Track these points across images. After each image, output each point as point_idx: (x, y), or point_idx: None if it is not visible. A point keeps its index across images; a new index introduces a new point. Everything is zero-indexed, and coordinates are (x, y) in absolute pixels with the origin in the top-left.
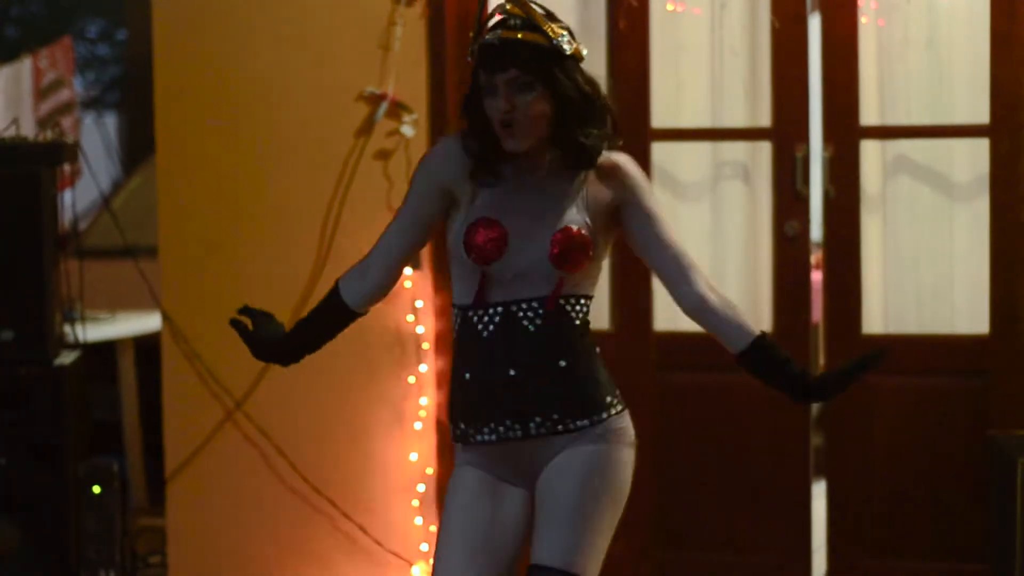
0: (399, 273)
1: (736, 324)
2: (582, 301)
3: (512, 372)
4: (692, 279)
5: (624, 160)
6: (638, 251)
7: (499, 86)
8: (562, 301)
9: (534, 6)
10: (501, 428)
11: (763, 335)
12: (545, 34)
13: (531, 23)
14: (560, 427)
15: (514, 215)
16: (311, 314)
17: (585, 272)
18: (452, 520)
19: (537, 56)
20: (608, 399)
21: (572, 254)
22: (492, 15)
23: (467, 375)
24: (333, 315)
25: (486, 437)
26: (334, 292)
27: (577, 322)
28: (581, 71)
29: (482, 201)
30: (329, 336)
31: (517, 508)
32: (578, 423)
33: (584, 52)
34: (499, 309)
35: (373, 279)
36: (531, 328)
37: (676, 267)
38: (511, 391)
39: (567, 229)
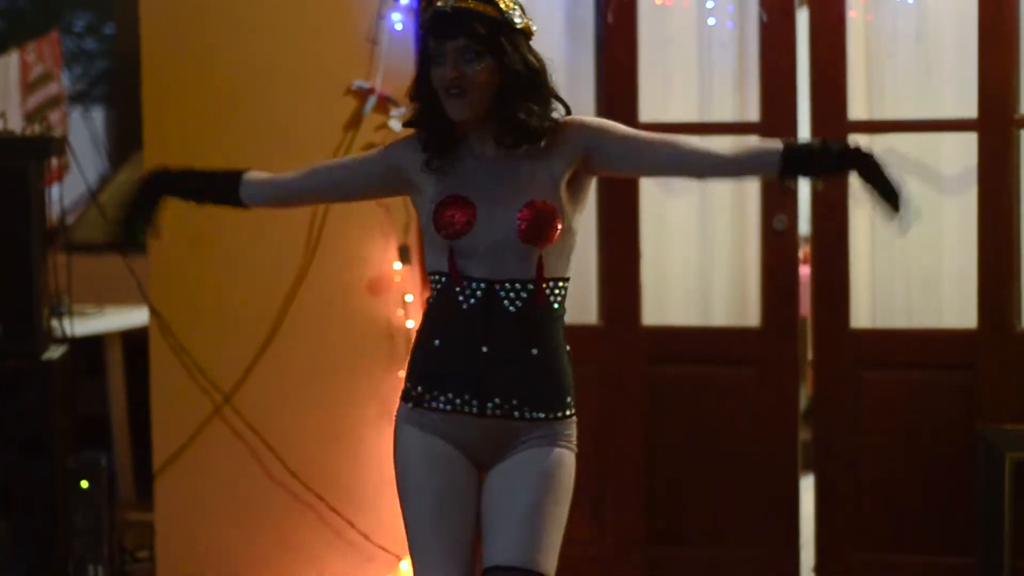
0: (303, 196)
1: (759, 152)
2: (560, 284)
3: (485, 349)
4: (699, 152)
5: (576, 117)
6: (635, 170)
7: (448, 54)
8: (543, 285)
9: None
10: (458, 400)
11: (787, 143)
12: (496, 6)
13: None
14: (516, 413)
15: (479, 191)
16: (206, 172)
17: (559, 249)
18: (420, 496)
19: (488, 26)
20: (568, 399)
21: (542, 228)
22: None
23: (436, 342)
24: (222, 184)
25: (441, 405)
26: (236, 173)
27: (556, 306)
28: (530, 48)
29: (449, 181)
30: (200, 197)
31: (471, 475)
32: (534, 414)
33: (534, 28)
34: (482, 285)
35: (280, 182)
36: (511, 309)
37: (677, 154)
38: (480, 367)
39: (532, 203)
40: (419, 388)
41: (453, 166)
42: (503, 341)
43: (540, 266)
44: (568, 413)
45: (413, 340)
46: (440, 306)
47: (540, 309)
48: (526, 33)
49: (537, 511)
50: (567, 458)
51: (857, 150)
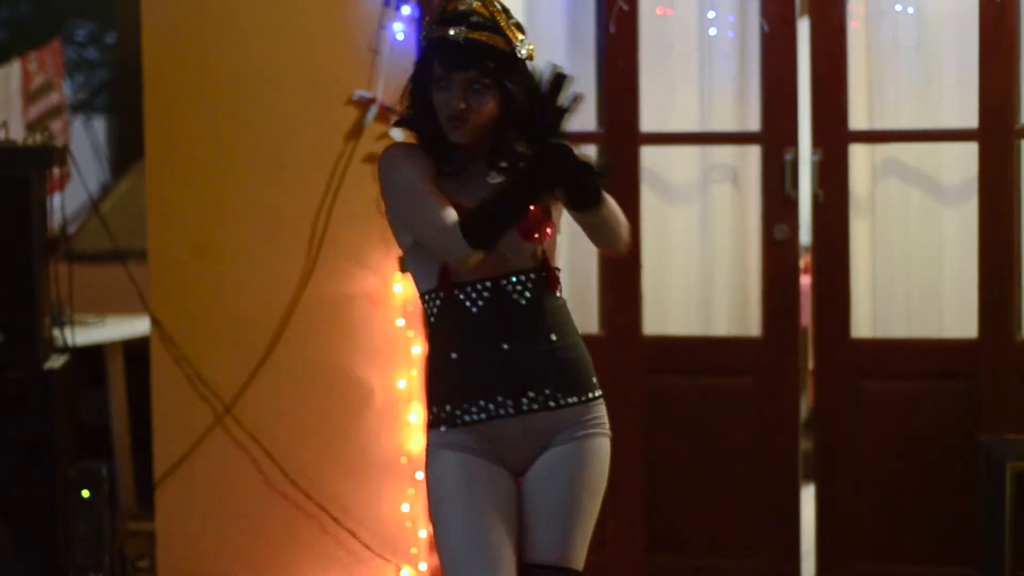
0: None
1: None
2: (558, 271)
3: (505, 347)
4: None
5: None
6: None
7: (456, 84)
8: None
9: (497, 5)
10: (492, 405)
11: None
12: (507, 38)
13: (496, 25)
14: (551, 403)
15: (475, 198)
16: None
17: (551, 243)
18: (459, 517)
19: (497, 60)
20: (593, 380)
21: (538, 224)
22: (453, 4)
23: (453, 355)
24: None
25: (475, 416)
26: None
27: (559, 294)
28: (529, 74)
29: (451, 188)
30: None
31: (510, 486)
32: (569, 399)
33: (534, 53)
34: (488, 284)
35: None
36: (522, 302)
37: None
38: (504, 366)
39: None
40: (447, 407)
41: (456, 173)
42: (521, 334)
43: (544, 255)
44: (597, 394)
45: (425, 366)
46: (447, 320)
47: (549, 296)
48: (529, 60)
49: (571, 508)
50: (601, 445)
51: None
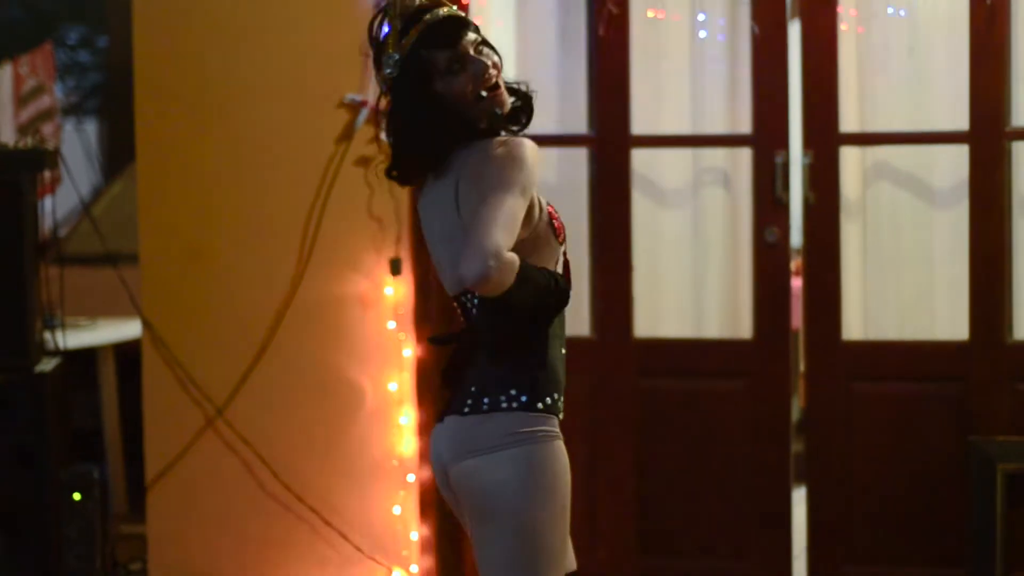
0: None
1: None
2: None
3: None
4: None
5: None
6: None
7: (468, 52)
8: None
9: None
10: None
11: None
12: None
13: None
14: None
15: None
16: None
17: None
18: (567, 517)
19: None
20: None
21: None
22: (392, 25)
23: (563, 350)
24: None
25: (563, 411)
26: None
27: None
28: None
29: None
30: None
31: None
32: None
33: None
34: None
35: None
36: None
37: None
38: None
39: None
40: (558, 398)
41: None
42: None
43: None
44: None
45: (529, 351)
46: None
47: None
48: None
49: None
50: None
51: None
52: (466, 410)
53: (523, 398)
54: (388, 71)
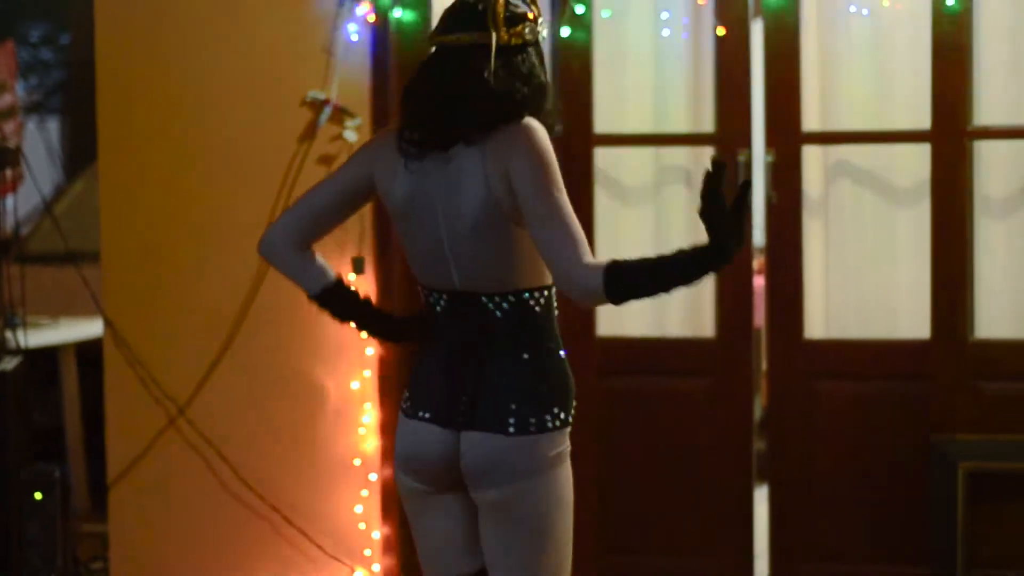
0: None
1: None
2: None
3: None
4: None
5: None
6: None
7: None
8: None
9: None
10: None
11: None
12: None
13: None
14: None
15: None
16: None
17: None
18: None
19: None
20: None
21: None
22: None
23: (562, 352)
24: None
25: None
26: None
27: None
28: None
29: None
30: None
31: None
32: None
33: None
34: None
35: None
36: None
37: None
38: None
39: None
40: (573, 408)
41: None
42: None
43: None
44: None
45: (534, 361)
46: (552, 316)
47: None
48: None
49: None
50: None
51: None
52: (512, 431)
53: (562, 415)
54: (541, 29)
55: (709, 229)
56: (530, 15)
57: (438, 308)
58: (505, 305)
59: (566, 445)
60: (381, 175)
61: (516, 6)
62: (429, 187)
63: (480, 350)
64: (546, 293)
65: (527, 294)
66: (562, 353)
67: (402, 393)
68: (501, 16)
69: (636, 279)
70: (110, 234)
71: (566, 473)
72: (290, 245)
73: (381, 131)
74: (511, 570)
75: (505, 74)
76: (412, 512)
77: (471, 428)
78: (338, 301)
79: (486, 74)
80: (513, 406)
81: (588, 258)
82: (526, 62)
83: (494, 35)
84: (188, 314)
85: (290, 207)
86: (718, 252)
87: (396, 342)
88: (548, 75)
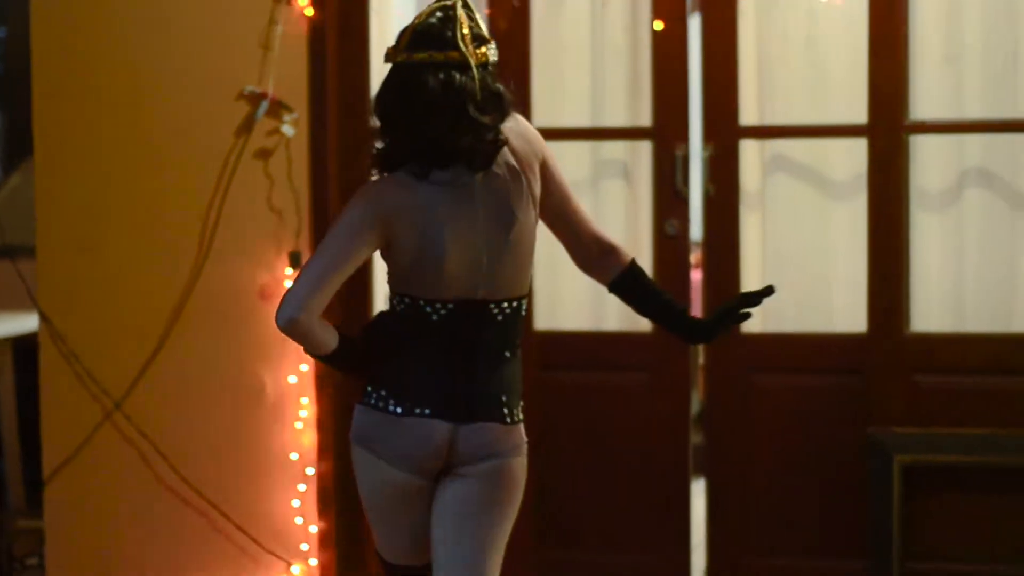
0: None
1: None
2: None
3: None
4: None
5: None
6: None
7: None
8: None
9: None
10: None
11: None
12: None
13: None
14: None
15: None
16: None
17: None
18: None
19: None
20: None
21: None
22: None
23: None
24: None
25: None
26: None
27: None
28: None
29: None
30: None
31: None
32: None
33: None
34: None
35: None
36: None
37: None
38: None
39: None
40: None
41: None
42: None
43: None
44: None
45: (512, 360)
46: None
47: None
48: None
49: None
50: None
51: (692, 331)
52: (508, 420)
53: (521, 405)
54: (492, 53)
55: (714, 325)
56: (487, 35)
57: (435, 317)
58: (507, 310)
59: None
60: (397, 222)
61: (476, 26)
62: (461, 200)
63: (478, 350)
64: (527, 297)
65: (523, 299)
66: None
67: (336, 388)
68: (469, 37)
69: (644, 282)
70: (46, 228)
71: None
72: (314, 321)
73: (370, 185)
74: (482, 527)
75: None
76: (390, 506)
77: (472, 420)
78: (344, 354)
79: (478, 94)
80: (504, 398)
81: (609, 237)
82: (492, 77)
83: (471, 56)
84: (124, 308)
85: (309, 282)
86: (702, 337)
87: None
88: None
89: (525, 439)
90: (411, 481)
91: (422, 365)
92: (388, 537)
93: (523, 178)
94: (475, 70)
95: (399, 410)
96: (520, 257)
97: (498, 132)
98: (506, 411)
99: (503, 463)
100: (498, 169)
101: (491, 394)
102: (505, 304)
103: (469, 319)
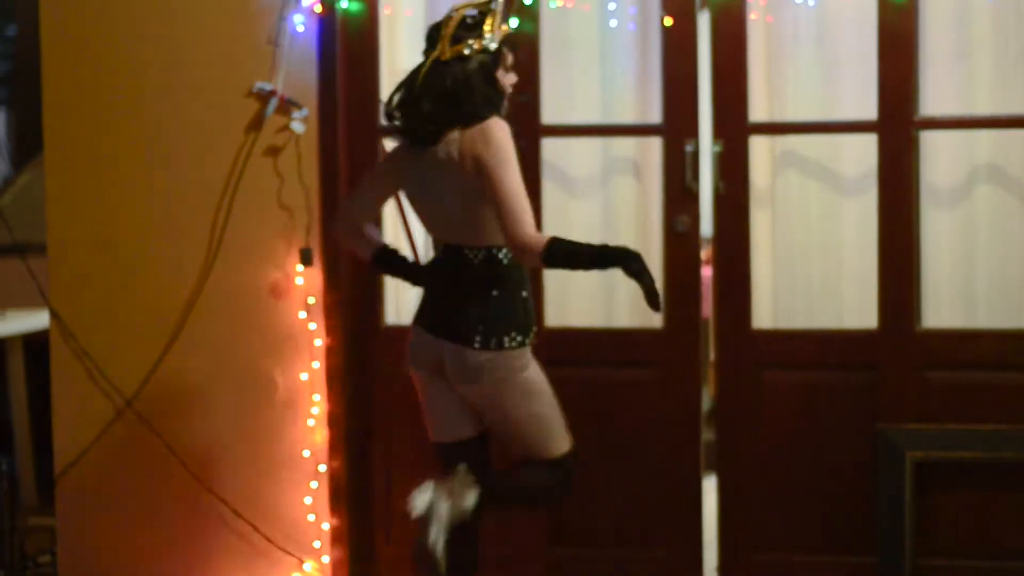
0: None
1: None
2: None
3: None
4: None
5: None
6: None
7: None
8: None
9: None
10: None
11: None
12: None
13: None
14: None
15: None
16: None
17: None
18: (553, 398)
19: None
20: None
21: None
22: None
23: (524, 293)
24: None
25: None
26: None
27: None
28: None
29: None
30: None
31: None
32: None
33: None
34: None
35: None
36: None
37: None
38: None
39: None
40: (530, 332)
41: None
42: None
43: None
44: None
45: (491, 300)
46: (518, 266)
47: None
48: None
49: None
50: None
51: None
52: (477, 345)
53: (519, 338)
54: (488, 42)
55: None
56: (486, 27)
57: (441, 256)
58: (481, 255)
59: (527, 358)
60: (404, 172)
61: (472, 17)
62: (428, 170)
63: (461, 285)
64: (499, 248)
65: (495, 249)
66: (524, 294)
67: (348, 385)
68: (449, 36)
69: (572, 252)
70: (56, 226)
71: (531, 375)
72: (358, 227)
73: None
74: (505, 435)
75: (453, 85)
76: (422, 393)
77: (447, 339)
78: (387, 261)
79: (444, 85)
80: (480, 327)
81: (529, 229)
82: (464, 72)
83: (442, 53)
84: (135, 306)
85: (350, 199)
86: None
87: (415, 284)
88: (490, 79)
89: (519, 361)
90: (422, 375)
91: (429, 292)
92: (427, 420)
93: (461, 159)
94: (437, 65)
95: (414, 322)
96: (462, 214)
97: (438, 122)
98: (479, 338)
99: (488, 391)
100: (450, 147)
101: (468, 322)
102: (475, 251)
103: (456, 259)
